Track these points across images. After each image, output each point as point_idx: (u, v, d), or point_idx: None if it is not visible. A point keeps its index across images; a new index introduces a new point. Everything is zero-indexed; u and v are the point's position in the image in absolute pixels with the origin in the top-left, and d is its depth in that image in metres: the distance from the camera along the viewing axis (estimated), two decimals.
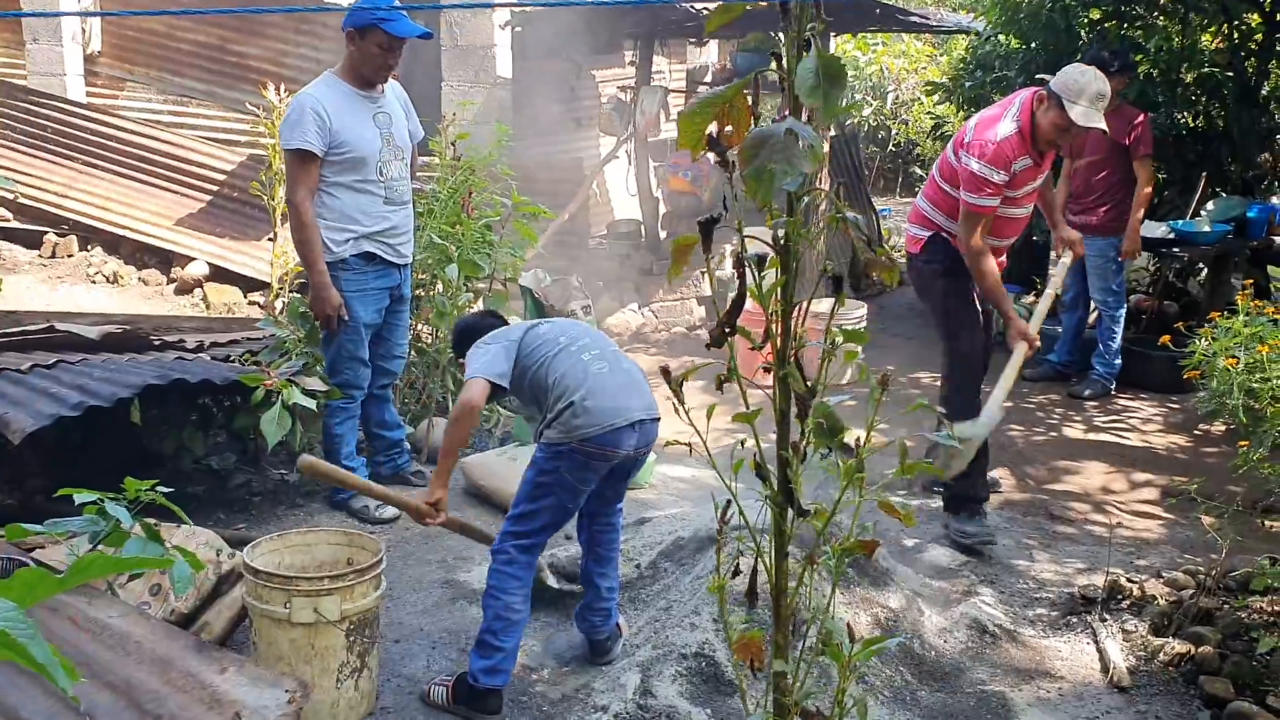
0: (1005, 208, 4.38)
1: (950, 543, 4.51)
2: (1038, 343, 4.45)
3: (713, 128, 2.07)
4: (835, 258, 8.93)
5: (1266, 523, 4.59)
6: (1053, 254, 6.68)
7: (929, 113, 14.71)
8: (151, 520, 3.26)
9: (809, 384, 1.98)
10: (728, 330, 2.01)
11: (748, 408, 2.01)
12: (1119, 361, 6.54)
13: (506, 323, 3.77)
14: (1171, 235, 6.83)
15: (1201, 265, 7.68)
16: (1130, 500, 5.12)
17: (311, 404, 4.16)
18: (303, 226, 4.36)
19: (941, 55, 15.73)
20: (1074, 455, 5.70)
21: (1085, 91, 4.16)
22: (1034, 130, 4.28)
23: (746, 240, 2.00)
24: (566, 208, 8.23)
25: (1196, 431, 5.97)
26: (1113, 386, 6.59)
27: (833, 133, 10.29)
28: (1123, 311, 6.52)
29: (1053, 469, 5.52)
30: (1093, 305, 6.75)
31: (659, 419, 3.38)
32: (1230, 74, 7.71)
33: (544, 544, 3.49)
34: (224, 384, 4.23)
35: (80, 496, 2.95)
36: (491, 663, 3.27)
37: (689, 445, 2.10)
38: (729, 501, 2.15)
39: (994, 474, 5.38)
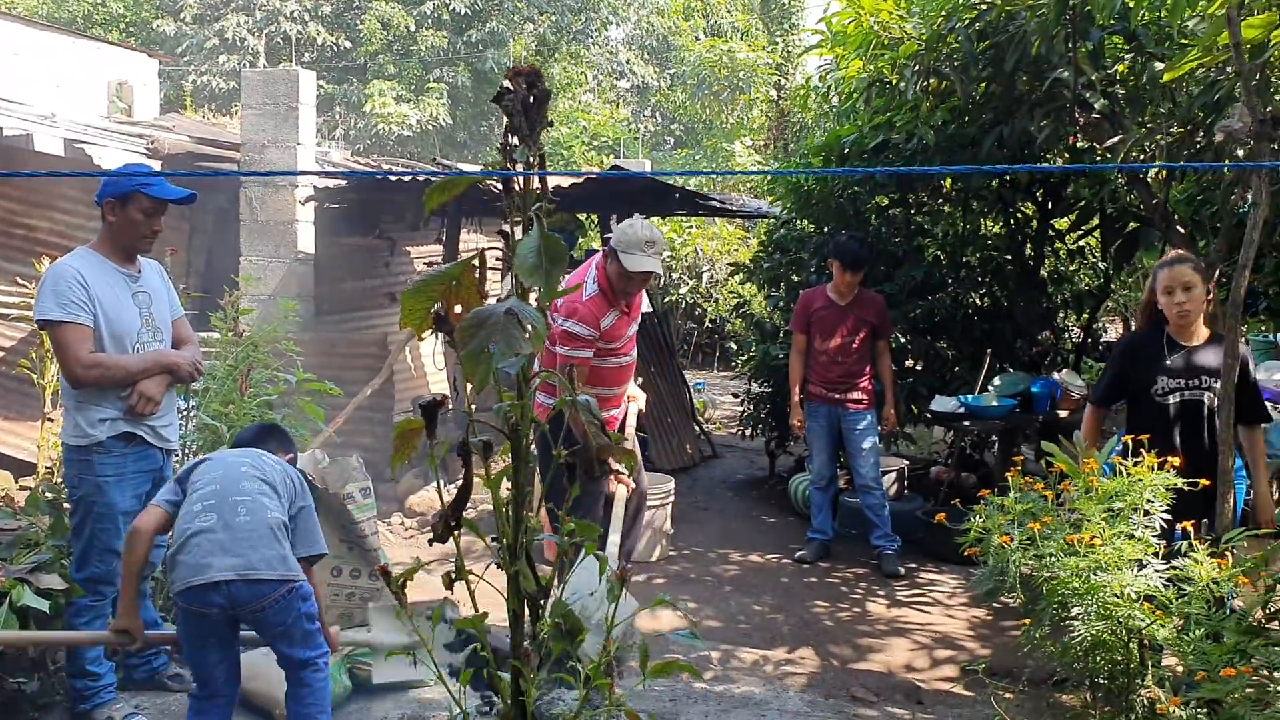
0: (607, 358, 4.94)
1: None
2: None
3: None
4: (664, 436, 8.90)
5: (1063, 697, 4.57)
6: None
7: (733, 292, 15.26)
8: None
9: (541, 581, 1.81)
10: (453, 524, 1.85)
11: (476, 610, 1.83)
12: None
13: (281, 440, 3.99)
14: (962, 409, 7.05)
15: (994, 437, 7.95)
16: (932, 678, 5.06)
17: (44, 605, 3.73)
18: (94, 364, 4.01)
19: (751, 238, 16.39)
20: (878, 632, 5.64)
21: (635, 241, 4.74)
22: (610, 284, 4.84)
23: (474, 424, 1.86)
24: (370, 383, 7.98)
25: (997, 605, 6.01)
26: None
27: (647, 309, 10.46)
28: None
29: (857, 647, 5.43)
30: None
31: (260, 580, 3.34)
32: (1010, 257, 8.19)
33: (215, 694, 3.52)
34: None
35: None
36: None
37: (413, 655, 1.90)
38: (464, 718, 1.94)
39: (800, 652, 5.30)
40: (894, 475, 7.46)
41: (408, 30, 22.59)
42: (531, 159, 1.82)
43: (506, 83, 1.81)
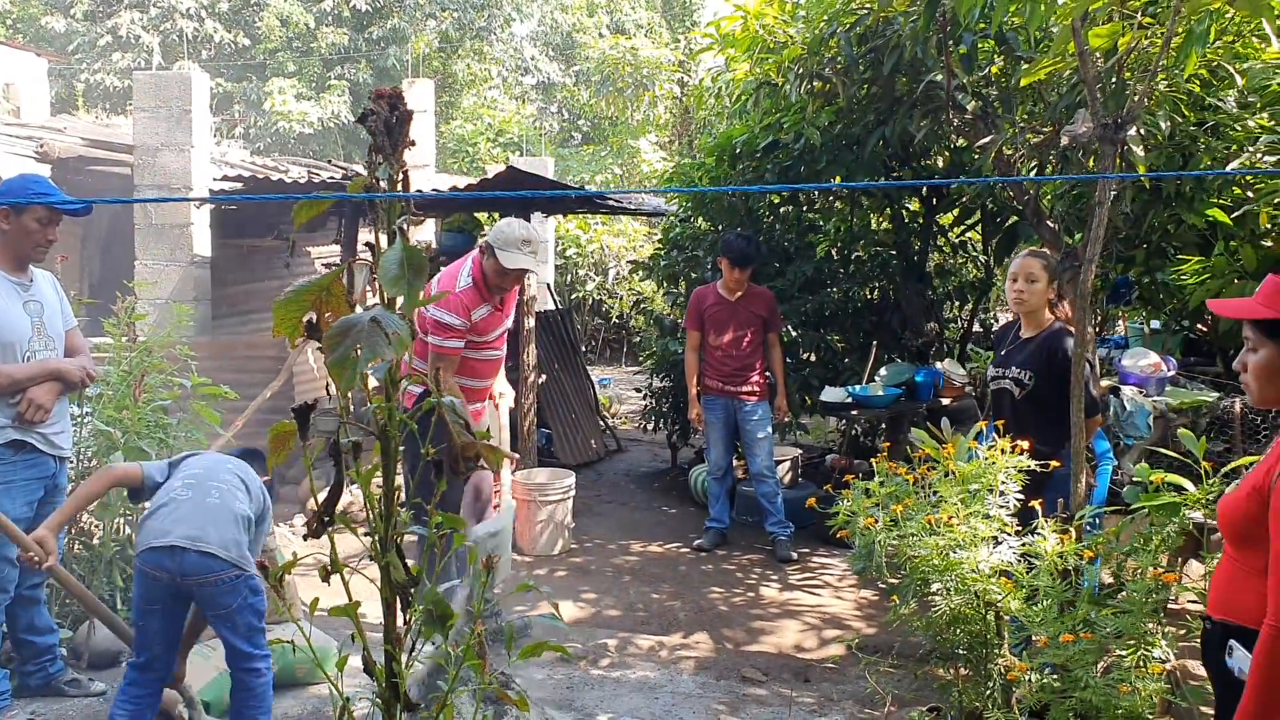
0: (478, 351, 5.03)
1: None
2: None
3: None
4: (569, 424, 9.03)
5: (937, 670, 4.81)
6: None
7: (634, 290, 15.44)
8: None
9: (411, 571, 1.94)
10: (326, 520, 1.96)
11: (350, 598, 1.95)
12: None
13: (261, 463, 4.03)
14: (850, 399, 7.31)
15: (883, 425, 8.24)
16: (819, 657, 5.28)
17: None
18: None
19: (657, 235, 16.60)
20: (770, 615, 5.85)
21: (512, 239, 4.84)
22: (485, 279, 4.93)
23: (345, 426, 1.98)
24: (269, 385, 7.97)
25: (883, 585, 6.26)
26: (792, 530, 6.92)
27: (551, 306, 10.58)
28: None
29: (750, 630, 5.64)
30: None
31: (211, 554, 3.51)
32: (896, 252, 8.49)
33: (151, 664, 3.64)
34: None
35: None
36: None
37: (291, 643, 2.02)
38: (344, 703, 2.05)
39: (694, 637, 5.48)
40: (788, 464, 7.69)
41: (307, 27, 22.33)
42: (395, 175, 1.94)
43: (370, 104, 1.93)
